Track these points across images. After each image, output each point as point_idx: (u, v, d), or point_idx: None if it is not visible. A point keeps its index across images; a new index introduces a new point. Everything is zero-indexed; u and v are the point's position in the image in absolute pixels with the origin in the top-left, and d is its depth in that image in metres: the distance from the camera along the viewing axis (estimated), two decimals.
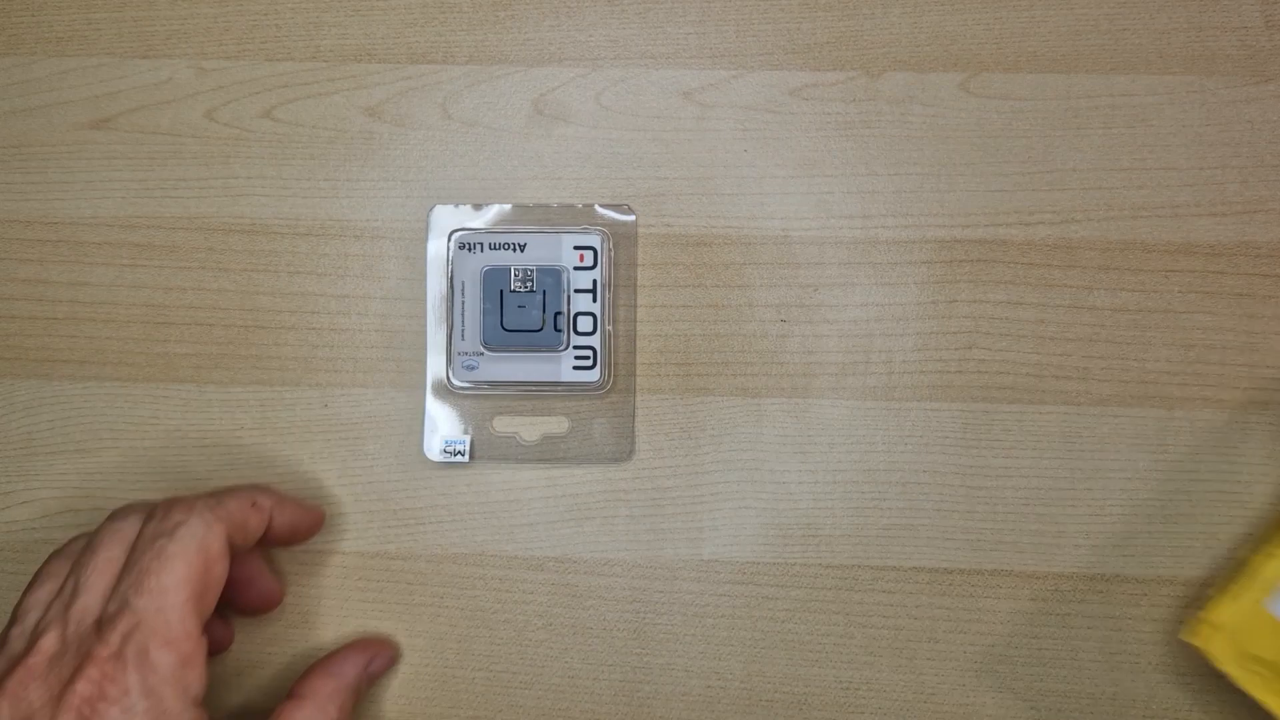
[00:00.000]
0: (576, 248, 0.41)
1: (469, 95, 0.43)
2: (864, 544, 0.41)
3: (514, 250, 0.41)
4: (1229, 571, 0.40)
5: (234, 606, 0.40)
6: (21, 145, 0.43)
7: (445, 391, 0.42)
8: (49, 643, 0.32)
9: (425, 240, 0.42)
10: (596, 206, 0.42)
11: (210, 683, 0.34)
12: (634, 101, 0.43)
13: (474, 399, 0.42)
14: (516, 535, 0.42)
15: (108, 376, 0.43)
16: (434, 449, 0.42)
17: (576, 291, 0.41)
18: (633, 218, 0.42)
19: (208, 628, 0.34)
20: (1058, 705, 0.41)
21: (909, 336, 0.42)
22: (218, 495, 0.36)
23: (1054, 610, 0.41)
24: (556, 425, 0.42)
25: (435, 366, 0.42)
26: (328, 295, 0.43)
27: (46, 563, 0.35)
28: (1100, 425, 0.41)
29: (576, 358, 0.41)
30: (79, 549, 0.35)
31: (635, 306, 0.42)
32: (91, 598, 0.33)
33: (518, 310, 0.41)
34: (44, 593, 0.34)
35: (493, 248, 0.41)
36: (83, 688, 0.31)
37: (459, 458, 0.41)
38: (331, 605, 0.42)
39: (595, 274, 0.41)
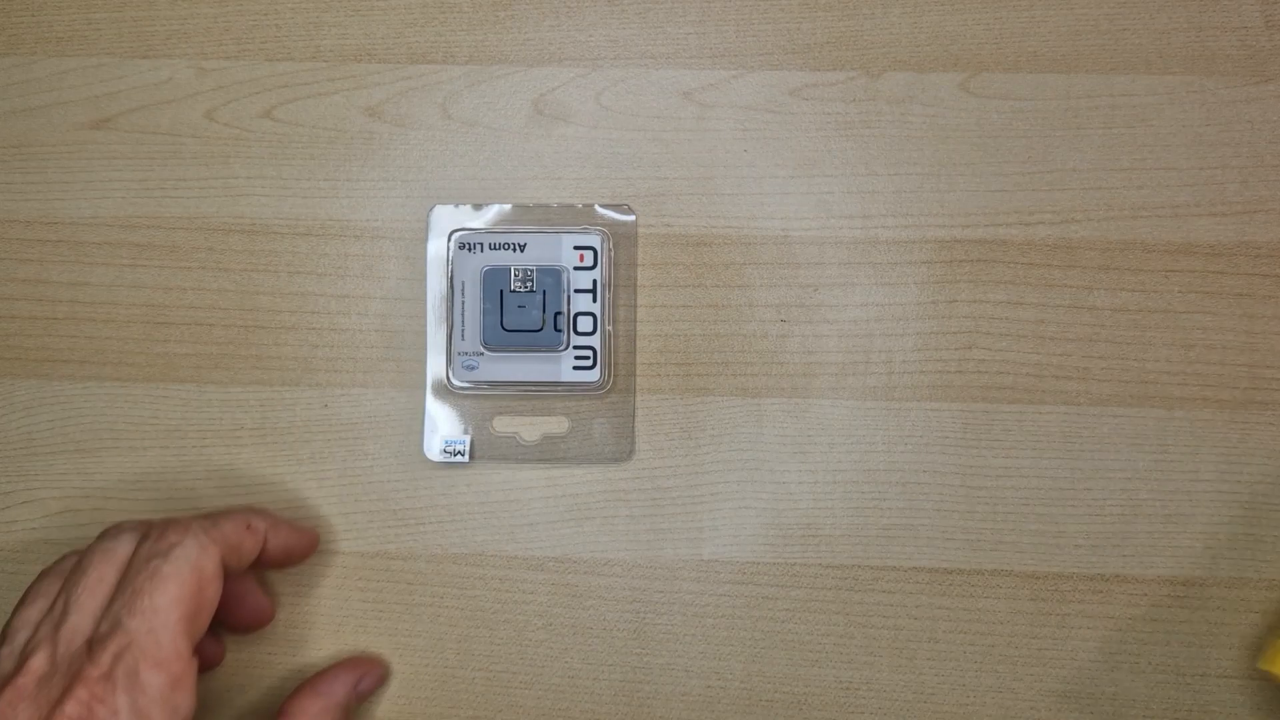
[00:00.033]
0: (576, 248, 0.41)
1: (469, 95, 0.43)
2: (864, 544, 0.41)
3: (514, 250, 0.41)
4: None
5: (225, 624, 0.40)
6: (21, 145, 0.43)
7: (445, 391, 0.42)
8: (38, 663, 0.31)
9: (425, 240, 0.42)
10: (596, 206, 0.42)
11: (201, 700, 0.34)
12: (634, 101, 0.43)
13: (474, 399, 0.42)
14: (516, 535, 0.42)
15: (108, 376, 0.43)
16: (434, 449, 0.42)
17: (576, 291, 0.41)
18: (633, 218, 0.42)
19: (198, 645, 0.34)
20: (1058, 705, 0.41)
21: (909, 336, 0.42)
22: (213, 517, 0.36)
23: (1054, 610, 0.41)
24: (556, 425, 0.42)
25: (435, 366, 0.42)
26: (328, 295, 0.43)
27: (36, 581, 0.35)
28: (1100, 425, 0.41)
29: (576, 358, 0.41)
30: (69, 567, 0.35)
31: (635, 306, 0.42)
32: (82, 617, 0.32)
33: (518, 310, 0.41)
34: (34, 611, 0.34)
35: (493, 248, 0.41)
36: (71, 709, 0.30)
37: (459, 458, 0.41)
38: (331, 605, 0.42)
39: (595, 274, 0.41)
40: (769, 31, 0.43)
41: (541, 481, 0.42)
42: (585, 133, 0.43)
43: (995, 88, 0.43)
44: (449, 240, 0.42)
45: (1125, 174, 0.42)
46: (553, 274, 0.41)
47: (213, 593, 0.34)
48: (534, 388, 0.42)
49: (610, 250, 0.42)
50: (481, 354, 0.41)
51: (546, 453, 0.42)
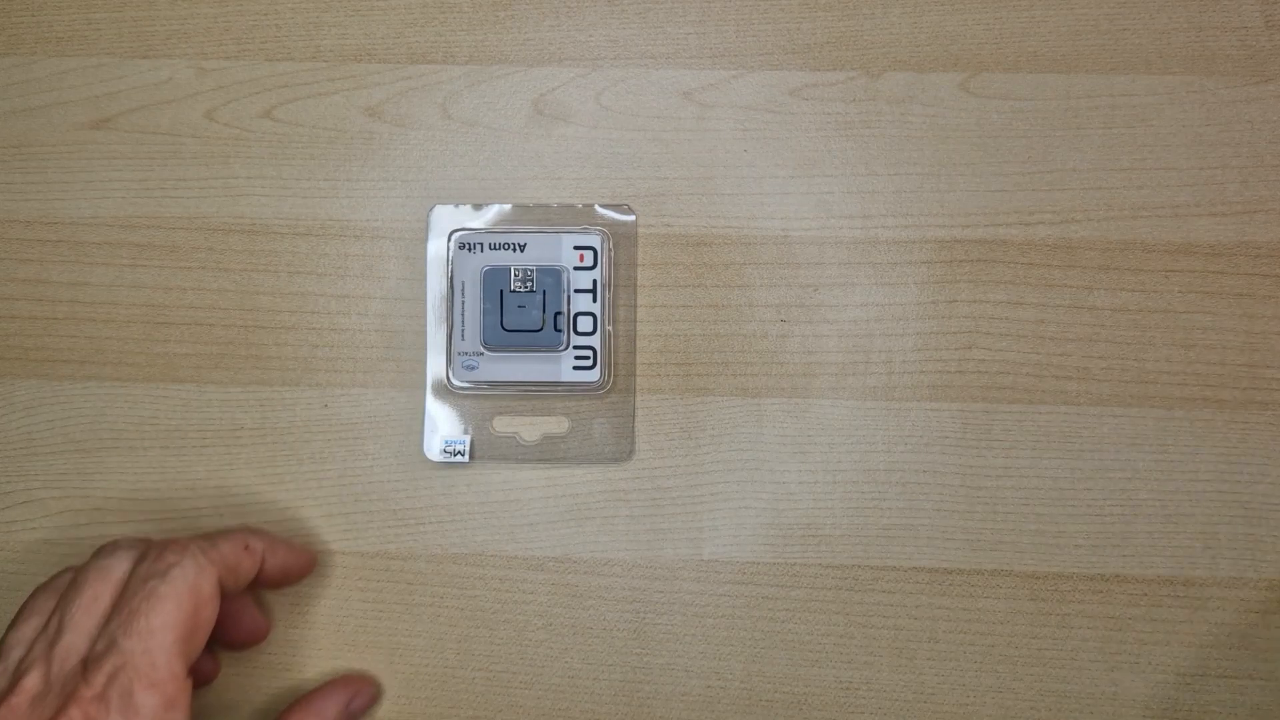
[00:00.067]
0: (576, 248, 0.41)
1: (469, 95, 0.43)
2: (864, 544, 0.41)
3: (514, 250, 0.41)
4: None
5: (220, 641, 0.39)
6: (21, 145, 0.43)
7: (445, 391, 0.42)
8: (32, 682, 0.31)
9: (425, 240, 0.42)
10: (596, 206, 0.42)
11: (195, 718, 0.34)
12: (634, 101, 0.43)
13: (474, 399, 0.42)
14: (516, 535, 0.42)
15: (108, 376, 0.43)
16: (434, 449, 0.42)
17: (576, 291, 0.41)
18: (633, 218, 0.42)
19: (193, 662, 0.34)
20: (1058, 705, 0.41)
21: (909, 336, 0.42)
22: (211, 537, 0.36)
23: (1054, 610, 0.41)
24: (556, 425, 0.42)
25: (435, 366, 0.42)
26: (328, 295, 0.43)
27: (31, 598, 0.35)
28: (1100, 425, 0.41)
29: (576, 358, 0.41)
30: (64, 584, 0.34)
31: (635, 306, 0.42)
32: (76, 636, 0.32)
33: (518, 310, 0.41)
34: (28, 629, 0.33)
35: (493, 248, 0.41)
36: None
37: (459, 458, 0.41)
38: (332, 605, 0.42)
39: (595, 274, 0.41)
40: (769, 31, 0.43)
41: (541, 481, 0.42)
42: (585, 133, 0.43)
43: (995, 88, 0.43)
44: (449, 240, 0.42)
45: (1125, 174, 0.42)
46: (553, 274, 0.41)
47: (209, 614, 0.34)
48: (534, 388, 0.42)
49: (610, 250, 0.42)
50: (481, 354, 0.41)
51: (546, 453, 0.42)
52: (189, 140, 0.43)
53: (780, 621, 0.41)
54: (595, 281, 0.41)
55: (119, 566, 0.34)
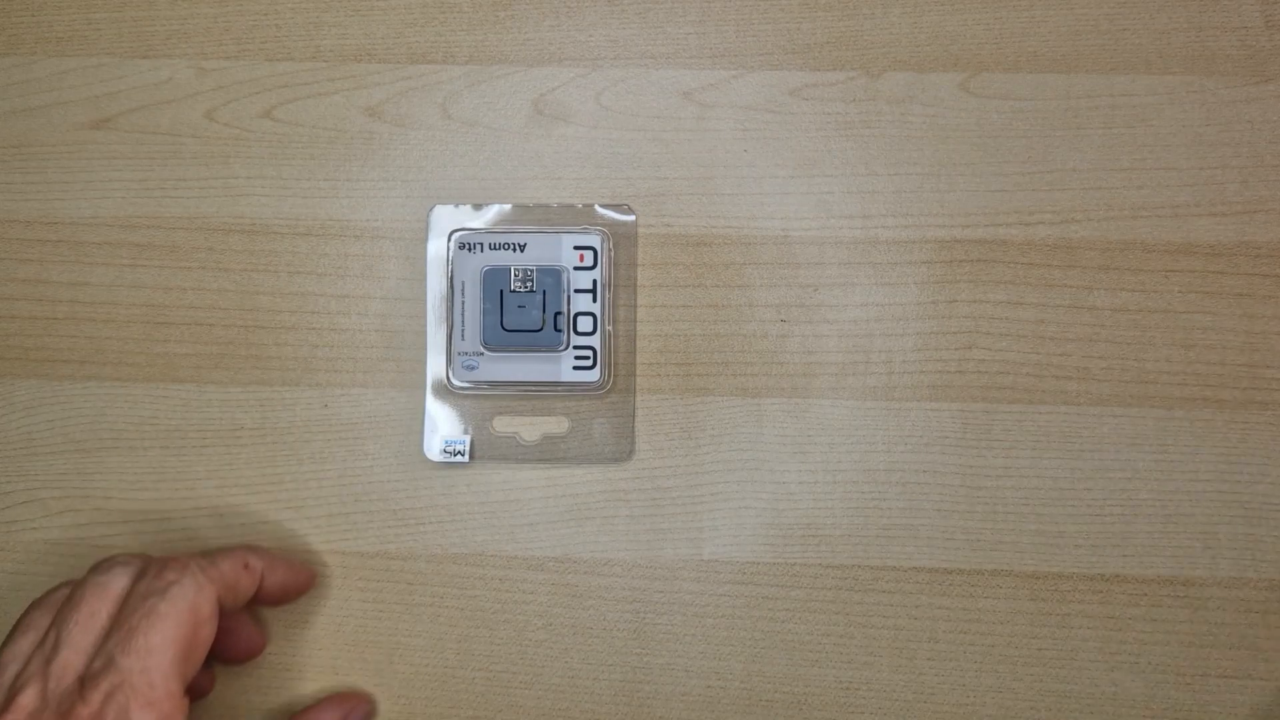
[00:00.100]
0: (576, 248, 0.41)
1: (469, 95, 0.43)
2: (864, 544, 0.41)
3: (514, 250, 0.41)
4: None
5: (216, 656, 0.39)
6: (21, 145, 0.43)
7: (445, 391, 0.42)
8: (28, 699, 0.31)
9: (425, 240, 0.42)
10: (596, 206, 0.42)
11: None
12: (634, 101, 0.43)
13: (474, 399, 0.42)
14: (516, 535, 0.42)
15: (108, 376, 0.43)
16: (434, 449, 0.42)
17: (576, 291, 0.41)
18: (633, 218, 0.42)
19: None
20: (1057, 705, 0.41)
21: (909, 336, 0.42)
22: (210, 556, 0.36)
23: (1054, 610, 0.41)
24: (556, 425, 0.42)
25: (435, 366, 0.42)
26: (328, 295, 0.43)
27: (26, 613, 0.35)
28: (1100, 425, 0.41)
29: (576, 358, 0.41)
30: (60, 599, 0.34)
31: (635, 306, 0.42)
32: (73, 653, 0.32)
33: (518, 310, 0.41)
34: (24, 644, 0.33)
35: (493, 248, 0.41)
36: None
37: (459, 458, 0.41)
38: (332, 605, 0.42)
39: (595, 274, 0.41)
40: (769, 31, 0.43)
41: (541, 481, 0.42)
42: (585, 133, 0.43)
43: (995, 88, 0.43)
44: (449, 240, 0.42)
45: (1125, 174, 0.42)
46: (553, 274, 0.41)
47: (208, 633, 0.34)
48: (534, 388, 0.42)
49: (610, 250, 0.42)
50: (481, 354, 0.41)
51: (546, 453, 0.42)
52: (189, 140, 0.43)
53: (780, 621, 0.41)
54: (595, 281, 0.41)
55: (116, 583, 0.34)
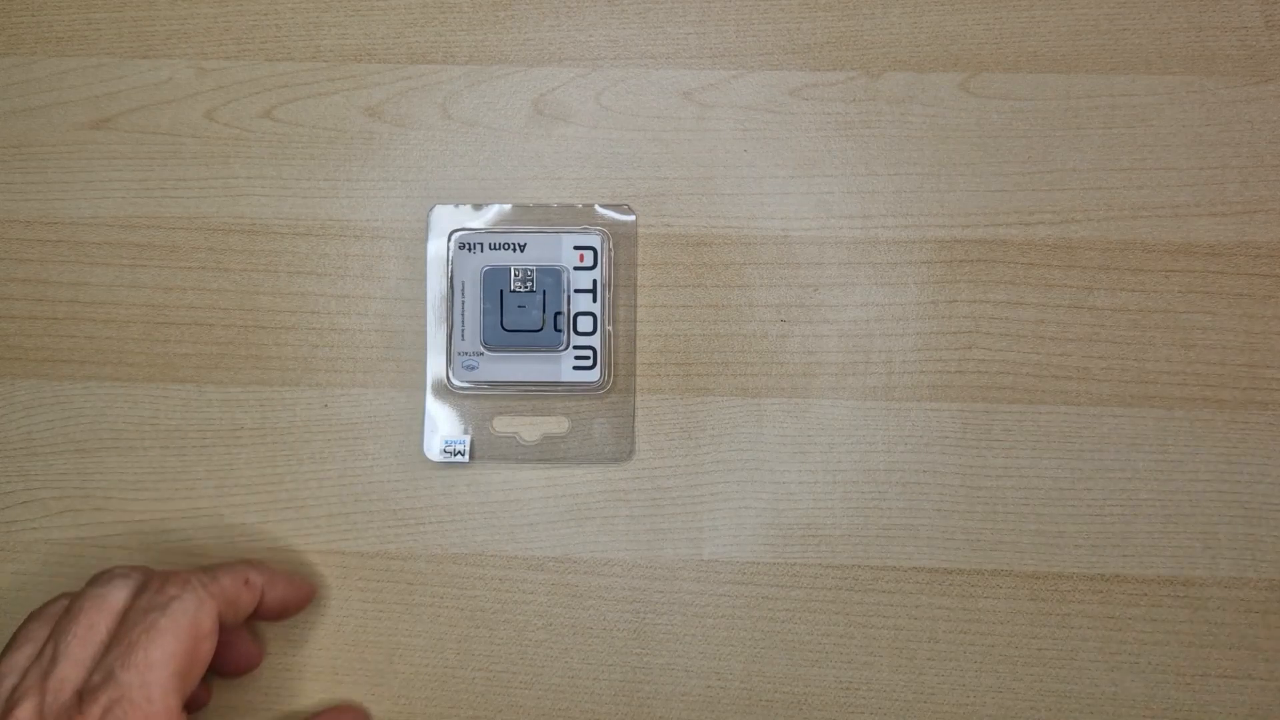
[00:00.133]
0: (576, 248, 0.41)
1: (469, 95, 0.43)
2: (864, 544, 0.41)
3: (514, 250, 0.41)
4: None
5: (213, 669, 0.39)
6: (21, 145, 0.43)
7: (445, 391, 0.42)
8: (25, 713, 0.31)
9: (425, 240, 0.42)
10: (596, 206, 0.42)
11: None
12: (634, 101, 0.43)
13: (474, 399, 0.42)
14: (516, 535, 0.42)
15: (108, 376, 0.43)
16: (434, 449, 0.42)
17: (576, 291, 0.41)
18: (633, 218, 0.42)
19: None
20: (1058, 705, 0.41)
21: (909, 336, 0.42)
22: (211, 571, 0.36)
23: (1054, 610, 0.41)
24: (556, 425, 0.42)
25: (435, 366, 0.42)
26: (328, 295, 0.43)
27: (24, 625, 0.34)
28: (1100, 425, 0.41)
29: (576, 358, 0.41)
30: (58, 612, 0.34)
31: (635, 306, 0.42)
32: (71, 667, 0.32)
33: (518, 310, 0.41)
34: (21, 657, 0.33)
35: (493, 248, 0.41)
36: None
37: (459, 458, 0.41)
38: (332, 605, 0.42)
39: (595, 274, 0.41)
40: (769, 31, 0.43)
41: (541, 481, 0.42)
42: (585, 133, 0.43)
43: (995, 88, 0.43)
44: (449, 240, 0.42)
45: (1125, 174, 0.42)
46: (553, 274, 0.41)
47: (208, 649, 0.34)
48: (534, 388, 0.42)
49: (610, 250, 0.42)
50: (481, 354, 0.41)
51: (546, 453, 0.42)
52: (189, 140, 0.43)
53: (780, 621, 0.41)
54: (595, 281, 0.41)
55: (116, 596, 0.34)
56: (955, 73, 0.43)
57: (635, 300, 0.42)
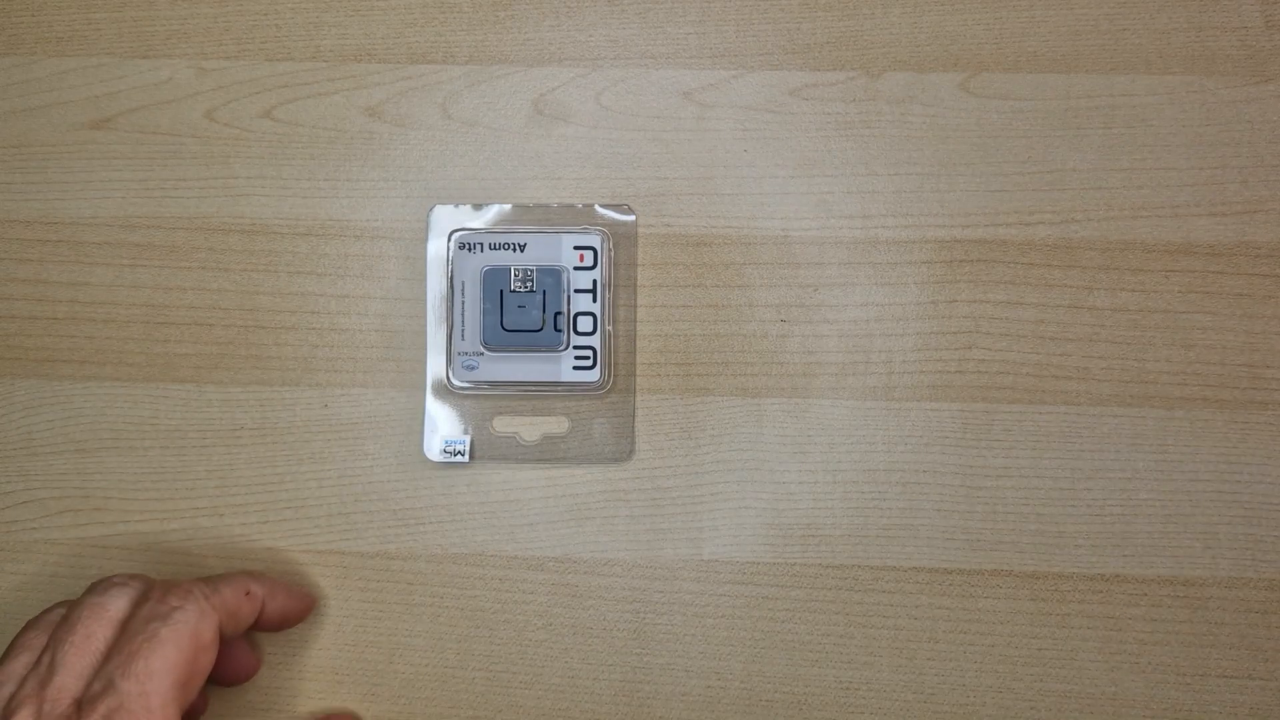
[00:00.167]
0: (576, 248, 0.41)
1: (469, 95, 0.43)
2: (864, 544, 0.41)
3: (514, 250, 0.41)
4: None
5: (210, 678, 0.38)
6: (21, 145, 0.43)
7: (445, 391, 0.42)
8: None
9: (425, 240, 0.42)
10: (596, 206, 0.42)
11: None
12: (634, 101, 0.43)
13: (474, 399, 0.42)
14: (516, 535, 0.42)
15: (108, 376, 0.43)
16: (434, 449, 0.42)
17: (576, 291, 0.41)
18: (633, 218, 0.42)
19: None
20: (1058, 705, 0.41)
21: (909, 336, 0.42)
22: (213, 582, 0.36)
23: (1054, 610, 0.41)
24: (556, 425, 0.42)
25: (435, 366, 0.42)
26: (328, 295, 0.43)
27: (22, 633, 0.34)
28: (1100, 425, 0.41)
29: (576, 358, 0.41)
30: (55, 620, 0.34)
31: (635, 306, 0.42)
32: (69, 676, 0.32)
33: (518, 310, 0.41)
34: (18, 665, 0.33)
35: (493, 248, 0.41)
36: None
37: (459, 458, 0.41)
38: (332, 605, 0.42)
39: (595, 274, 0.41)
40: (769, 31, 0.43)
41: (541, 481, 0.42)
42: (585, 133, 0.43)
43: (995, 88, 0.43)
44: (449, 240, 0.42)
45: (1125, 174, 0.42)
46: (553, 274, 0.41)
47: (207, 660, 0.34)
48: (534, 388, 0.42)
49: (610, 250, 0.42)
50: (481, 354, 0.41)
51: (546, 453, 0.42)
52: (189, 140, 0.43)
53: (780, 621, 0.41)
54: (595, 281, 0.41)
55: (115, 605, 0.34)
56: (955, 73, 0.43)
57: (635, 300, 0.42)
